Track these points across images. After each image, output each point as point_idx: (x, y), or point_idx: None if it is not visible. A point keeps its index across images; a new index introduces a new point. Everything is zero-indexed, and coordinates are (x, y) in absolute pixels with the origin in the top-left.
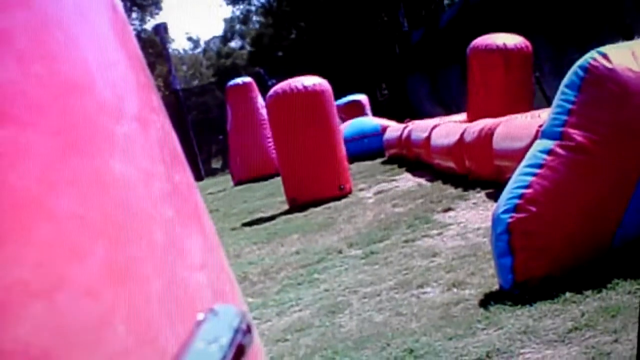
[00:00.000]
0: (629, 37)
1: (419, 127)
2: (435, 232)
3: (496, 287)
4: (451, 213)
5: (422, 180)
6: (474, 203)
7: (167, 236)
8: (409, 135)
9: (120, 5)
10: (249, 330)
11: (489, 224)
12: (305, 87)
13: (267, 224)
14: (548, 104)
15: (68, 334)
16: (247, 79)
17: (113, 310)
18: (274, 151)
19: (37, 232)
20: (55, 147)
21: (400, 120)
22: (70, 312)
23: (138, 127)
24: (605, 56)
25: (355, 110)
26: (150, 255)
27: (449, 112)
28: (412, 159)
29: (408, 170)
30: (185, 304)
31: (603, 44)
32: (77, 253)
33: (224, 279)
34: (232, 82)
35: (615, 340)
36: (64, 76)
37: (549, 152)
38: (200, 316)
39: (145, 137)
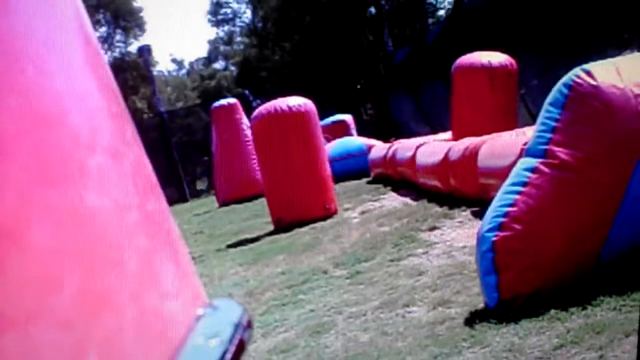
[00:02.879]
0: (625, 47)
1: (404, 147)
2: (420, 251)
3: (482, 305)
4: (436, 232)
5: (408, 200)
6: (459, 222)
7: (141, 265)
8: (394, 155)
9: (93, 37)
10: (249, 325)
11: (475, 242)
12: (289, 108)
13: (252, 245)
14: (533, 121)
15: None
16: (232, 100)
17: (87, 340)
18: (259, 172)
19: (10, 264)
20: (28, 179)
21: (385, 139)
22: (44, 344)
23: (111, 158)
24: (589, 73)
25: (340, 130)
26: (124, 284)
27: (434, 130)
28: (398, 178)
29: (393, 190)
30: (159, 332)
31: (591, 59)
32: (51, 284)
33: (199, 305)
34: (217, 104)
35: (601, 357)
36: (36, 109)
37: (534, 170)
38: (200, 311)
39: (119, 169)
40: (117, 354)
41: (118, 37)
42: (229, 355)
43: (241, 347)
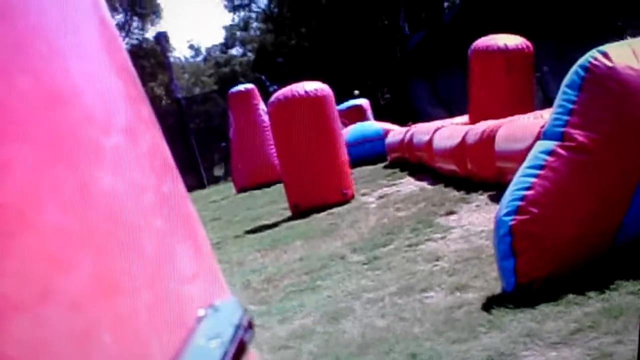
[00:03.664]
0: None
1: (420, 131)
2: (438, 235)
3: (499, 290)
4: (454, 216)
5: (425, 184)
6: (476, 206)
7: (157, 247)
8: (410, 139)
9: (109, 18)
10: (250, 326)
11: (492, 226)
12: (306, 93)
13: (270, 231)
14: (549, 104)
15: (52, 348)
16: (249, 86)
17: (99, 323)
18: (276, 158)
19: (19, 244)
20: (40, 159)
21: (402, 123)
22: (54, 326)
23: (127, 139)
24: (605, 55)
25: (356, 114)
26: (139, 266)
27: (451, 114)
28: (415, 162)
29: (410, 174)
30: (175, 316)
31: (606, 42)
32: (62, 265)
33: (216, 289)
34: (233, 89)
35: (619, 342)
36: (49, 89)
37: (551, 152)
38: (201, 312)
39: (134, 150)
40: (131, 338)
41: (135, 24)
42: (229, 356)
43: (242, 348)
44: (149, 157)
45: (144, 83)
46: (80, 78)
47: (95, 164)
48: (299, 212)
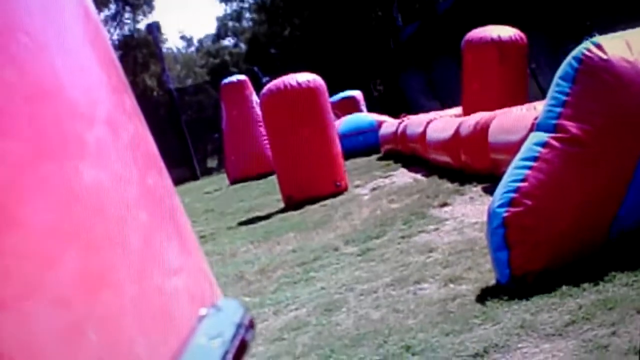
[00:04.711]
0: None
1: (414, 122)
2: (431, 227)
3: (493, 281)
4: (447, 208)
5: (418, 176)
6: (470, 197)
7: (142, 241)
8: (404, 131)
9: (93, 10)
10: (251, 325)
11: (485, 218)
12: (299, 84)
13: (263, 223)
14: (543, 96)
15: (38, 343)
16: (242, 77)
17: (85, 318)
18: (269, 149)
19: (4, 240)
20: (24, 153)
21: (395, 115)
22: (40, 322)
23: (109, 131)
24: (599, 46)
25: (349, 106)
26: (124, 261)
27: (444, 106)
28: (408, 154)
29: (404, 166)
30: (161, 309)
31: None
32: (47, 261)
33: (203, 282)
34: (226, 80)
35: (613, 333)
36: (32, 82)
37: (544, 144)
38: (203, 311)
39: (117, 141)
40: (116, 332)
41: (127, 14)
42: (230, 356)
43: (243, 347)
44: (131, 149)
45: (136, 74)
46: (65, 71)
47: (79, 157)
48: (292, 203)
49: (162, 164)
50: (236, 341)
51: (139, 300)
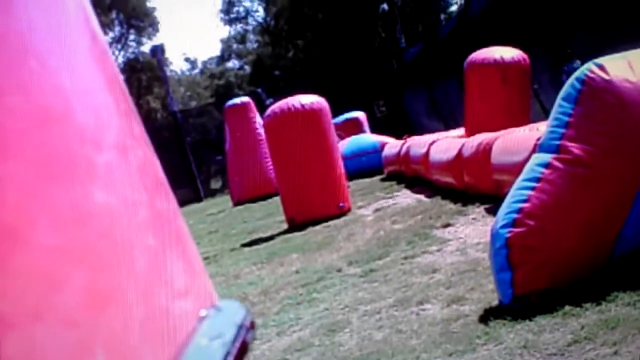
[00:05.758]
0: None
1: (417, 143)
2: (434, 248)
3: (496, 302)
4: (450, 229)
5: (421, 197)
6: (473, 218)
7: (149, 263)
8: (407, 152)
9: (100, 33)
10: (252, 326)
11: (488, 239)
12: (302, 106)
13: (266, 244)
14: (546, 116)
15: None
16: (245, 99)
17: (93, 339)
18: (272, 171)
19: (14, 263)
20: (34, 177)
21: (398, 136)
22: (49, 343)
23: (118, 155)
24: (601, 67)
25: (353, 127)
26: (131, 283)
27: (447, 127)
28: (411, 175)
29: (407, 187)
30: (167, 331)
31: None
32: (56, 282)
33: (208, 304)
34: (230, 102)
35: (615, 353)
36: (41, 106)
37: (547, 165)
38: (204, 312)
39: (126, 165)
40: (124, 353)
41: (131, 37)
42: (231, 357)
43: (244, 348)
44: (140, 173)
45: (140, 96)
46: (72, 94)
47: (88, 180)
48: (296, 225)
49: (168, 188)
50: (237, 342)
51: (145, 321)
